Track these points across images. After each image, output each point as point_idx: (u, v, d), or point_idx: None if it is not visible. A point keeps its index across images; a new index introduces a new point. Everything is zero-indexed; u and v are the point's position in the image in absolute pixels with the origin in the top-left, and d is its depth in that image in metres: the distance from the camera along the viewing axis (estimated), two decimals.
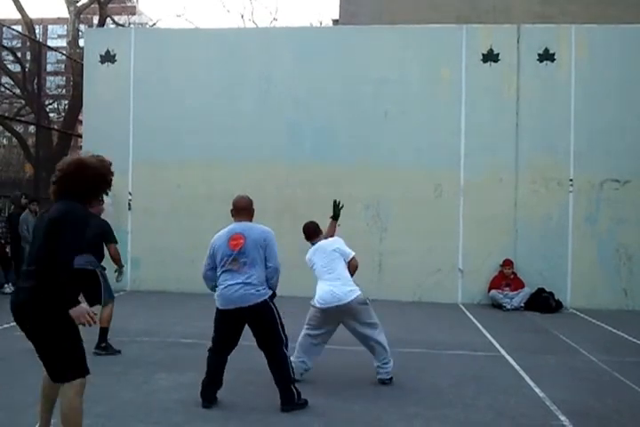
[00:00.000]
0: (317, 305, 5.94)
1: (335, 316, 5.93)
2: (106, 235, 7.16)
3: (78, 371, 3.88)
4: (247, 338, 7.84)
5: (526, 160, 11.38)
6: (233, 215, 5.49)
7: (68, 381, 3.85)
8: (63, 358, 3.84)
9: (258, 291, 5.20)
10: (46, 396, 4.14)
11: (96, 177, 3.95)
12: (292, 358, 5.78)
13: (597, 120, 11.27)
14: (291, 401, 5.23)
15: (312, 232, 6.32)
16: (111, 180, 4.06)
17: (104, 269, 7.12)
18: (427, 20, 12.81)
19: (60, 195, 3.92)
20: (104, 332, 7.02)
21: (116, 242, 7.31)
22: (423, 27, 12.05)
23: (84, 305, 3.83)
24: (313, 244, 6.31)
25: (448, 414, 5.22)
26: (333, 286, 5.89)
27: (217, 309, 5.37)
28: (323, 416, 5.12)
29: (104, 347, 6.99)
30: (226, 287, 5.24)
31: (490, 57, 11.57)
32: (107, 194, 4.21)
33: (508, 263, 11.13)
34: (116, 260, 7.29)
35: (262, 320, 5.27)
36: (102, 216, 7.27)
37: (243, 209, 5.43)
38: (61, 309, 3.74)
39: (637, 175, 11.19)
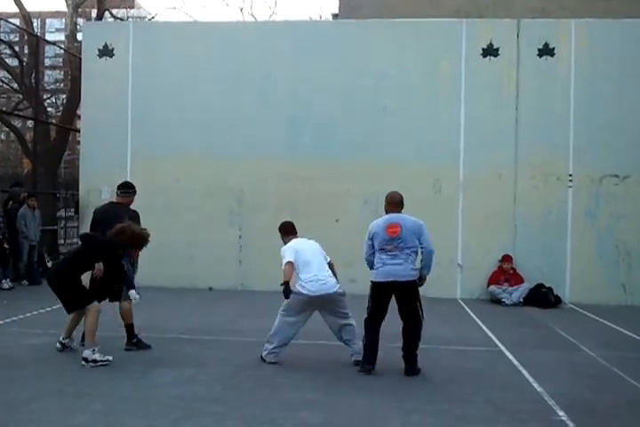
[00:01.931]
0: (306, 293, 6.34)
1: (318, 304, 6.40)
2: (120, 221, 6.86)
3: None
4: (247, 335, 7.84)
5: (526, 155, 11.35)
6: (386, 208, 6.50)
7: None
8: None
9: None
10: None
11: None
12: (267, 346, 6.50)
13: (597, 115, 11.24)
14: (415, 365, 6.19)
15: (291, 229, 6.91)
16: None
17: (132, 264, 7.05)
18: (427, 15, 12.74)
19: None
20: (130, 328, 6.96)
21: None
22: (423, 21, 12.00)
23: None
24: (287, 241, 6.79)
25: (446, 409, 5.20)
26: (325, 277, 6.47)
27: (375, 282, 6.33)
28: (322, 412, 5.10)
29: (135, 343, 6.96)
30: (387, 266, 6.23)
31: (489, 51, 11.53)
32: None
33: (507, 259, 11.11)
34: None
35: (410, 295, 6.31)
36: None
37: (397, 204, 6.46)
38: None
39: (637, 170, 11.17)
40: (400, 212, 6.46)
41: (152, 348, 7.00)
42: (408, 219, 6.38)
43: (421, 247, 6.36)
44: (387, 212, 6.48)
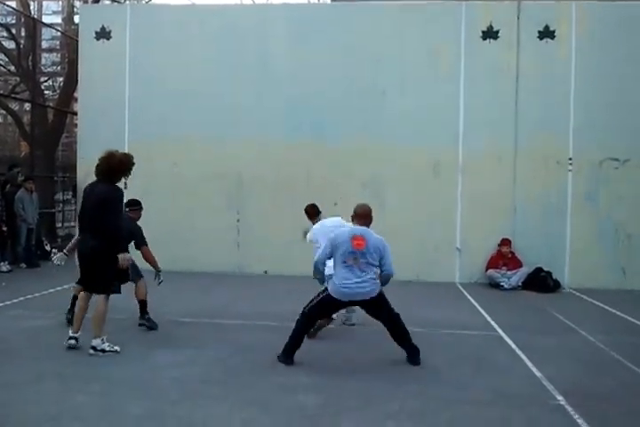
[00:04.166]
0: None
1: None
2: (134, 238, 7.14)
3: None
4: (245, 317, 7.85)
5: (525, 139, 11.30)
6: (353, 220, 6.18)
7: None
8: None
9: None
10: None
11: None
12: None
13: (597, 98, 11.16)
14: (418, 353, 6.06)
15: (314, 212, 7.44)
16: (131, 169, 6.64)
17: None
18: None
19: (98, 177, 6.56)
20: (143, 304, 7.18)
21: (146, 244, 7.28)
22: (422, 3, 11.87)
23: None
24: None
25: (444, 394, 5.20)
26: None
27: (331, 295, 5.96)
28: (320, 394, 5.11)
29: (147, 319, 7.15)
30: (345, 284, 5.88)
31: (489, 34, 11.43)
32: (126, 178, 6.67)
33: (506, 242, 11.10)
34: (151, 262, 7.32)
35: (378, 306, 6.05)
36: None
37: (364, 216, 6.11)
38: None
39: (637, 154, 11.11)
40: (367, 226, 6.09)
41: (157, 329, 7.11)
42: (373, 235, 6.01)
43: (382, 270, 6.02)
44: (354, 223, 6.18)
